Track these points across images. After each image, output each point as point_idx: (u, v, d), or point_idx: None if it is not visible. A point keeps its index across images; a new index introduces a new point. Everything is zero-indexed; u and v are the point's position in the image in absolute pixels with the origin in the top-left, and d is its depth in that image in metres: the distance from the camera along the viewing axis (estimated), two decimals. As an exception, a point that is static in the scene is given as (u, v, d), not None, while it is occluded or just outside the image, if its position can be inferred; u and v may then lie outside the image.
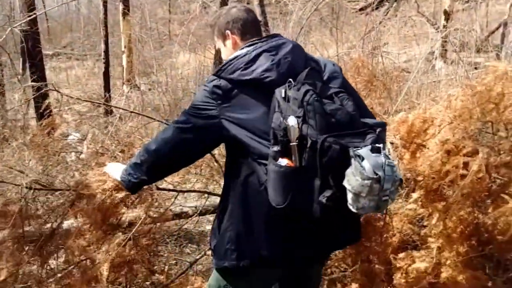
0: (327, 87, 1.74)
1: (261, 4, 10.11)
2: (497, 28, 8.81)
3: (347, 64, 3.72)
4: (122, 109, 3.03)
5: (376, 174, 1.49)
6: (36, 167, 3.23)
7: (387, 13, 11.05)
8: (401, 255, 2.42)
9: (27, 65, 7.44)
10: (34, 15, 7.12)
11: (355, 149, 1.53)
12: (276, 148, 1.62)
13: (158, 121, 2.67)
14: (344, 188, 1.54)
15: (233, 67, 1.74)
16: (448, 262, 2.35)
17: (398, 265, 2.41)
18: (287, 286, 2.04)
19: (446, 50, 7.75)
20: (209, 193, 2.98)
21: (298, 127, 1.57)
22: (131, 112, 2.73)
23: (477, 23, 8.11)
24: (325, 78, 1.80)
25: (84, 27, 15.82)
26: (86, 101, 2.58)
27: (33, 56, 7.10)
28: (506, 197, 2.31)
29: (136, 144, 2.85)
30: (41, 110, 3.92)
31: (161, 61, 10.70)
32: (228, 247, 1.78)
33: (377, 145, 1.55)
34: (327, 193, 1.57)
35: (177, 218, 3.31)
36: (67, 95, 2.58)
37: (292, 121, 1.58)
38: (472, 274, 2.33)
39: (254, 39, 1.84)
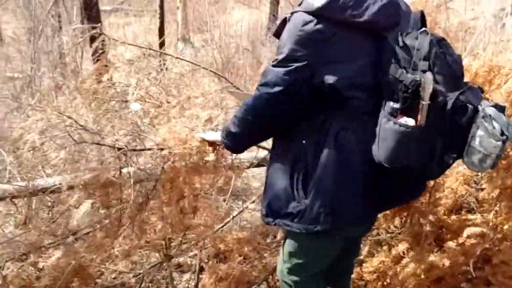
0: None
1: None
2: None
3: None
4: (167, 54, 2.97)
5: (503, 135, 1.44)
6: (86, 115, 3.22)
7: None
8: (454, 217, 2.27)
9: (85, 18, 7.53)
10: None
11: (484, 108, 1.46)
12: (396, 104, 1.46)
13: (204, 68, 2.60)
14: (462, 148, 1.50)
15: (342, 3, 1.48)
16: (506, 226, 2.18)
17: (450, 228, 2.26)
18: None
19: (518, 6, 7.18)
20: (261, 147, 2.83)
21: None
22: (176, 57, 2.66)
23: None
24: None
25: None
26: (131, 44, 2.51)
27: (89, 8, 7.17)
28: None
29: (182, 93, 2.78)
30: (90, 54, 3.92)
31: (216, 17, 10.59)
32: (322, 211, 1.61)
33: (501, 104, 1.49)
34: (453, 153, 1.53)
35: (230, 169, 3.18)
36: (114, 39, 2.54)
37: (430, 77, 1.42)
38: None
39: None
